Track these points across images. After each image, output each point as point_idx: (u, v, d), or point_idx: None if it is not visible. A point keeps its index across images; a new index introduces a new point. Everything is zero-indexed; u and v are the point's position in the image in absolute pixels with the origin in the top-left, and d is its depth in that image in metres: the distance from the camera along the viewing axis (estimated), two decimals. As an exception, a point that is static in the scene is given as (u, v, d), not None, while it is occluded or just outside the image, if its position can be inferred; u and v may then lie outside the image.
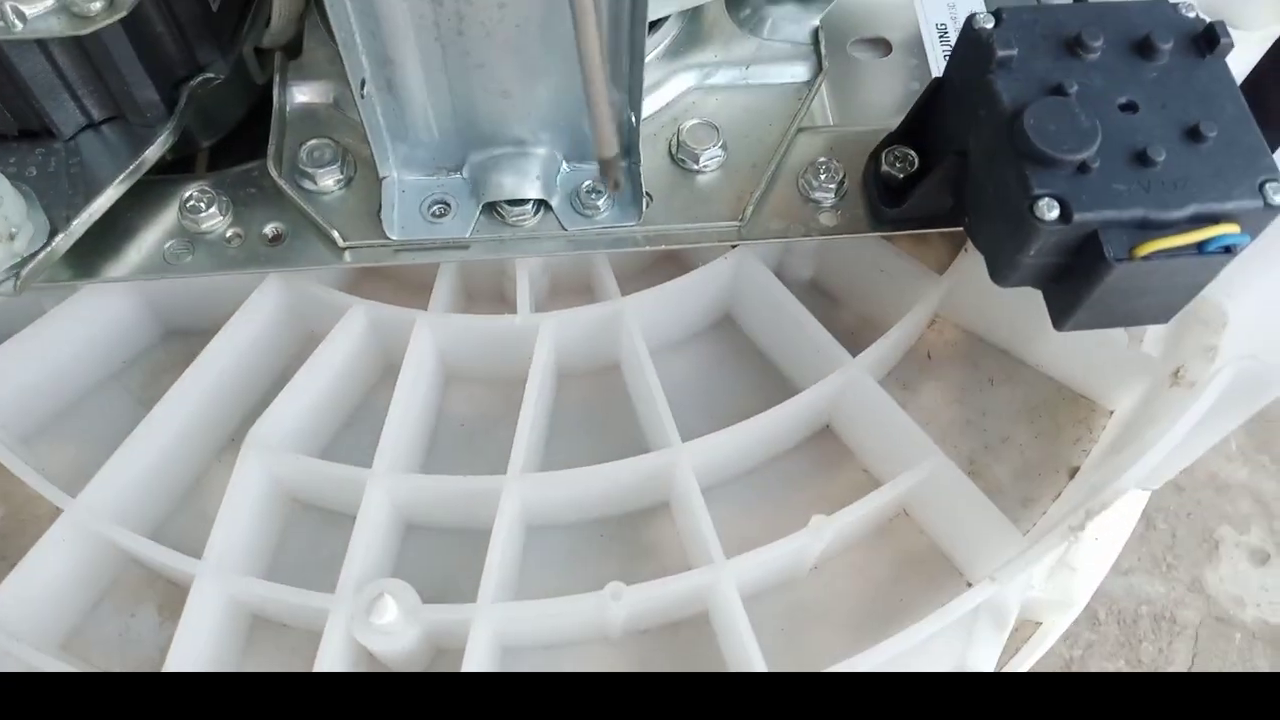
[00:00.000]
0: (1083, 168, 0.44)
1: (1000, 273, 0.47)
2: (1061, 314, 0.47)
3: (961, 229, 0.52)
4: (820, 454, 0.57)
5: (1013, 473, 0.56)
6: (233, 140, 0.59)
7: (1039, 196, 0.43)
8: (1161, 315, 0.48)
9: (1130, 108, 0.46)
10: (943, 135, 0.51)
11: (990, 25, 0.47)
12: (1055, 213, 0.43)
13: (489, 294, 0.59)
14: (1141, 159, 0.44)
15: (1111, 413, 0.58)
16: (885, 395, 0.52)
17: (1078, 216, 0.43)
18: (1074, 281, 0.45)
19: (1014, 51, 0.46)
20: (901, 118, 0.64)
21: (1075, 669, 1.48)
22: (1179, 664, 1.45)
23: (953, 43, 0.68)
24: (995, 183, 0.46)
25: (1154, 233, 0.43)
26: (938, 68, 0.65)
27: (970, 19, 0.47)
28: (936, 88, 0.52)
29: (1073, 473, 0.56)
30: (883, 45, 0.66)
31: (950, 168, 0.49)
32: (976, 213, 0.49)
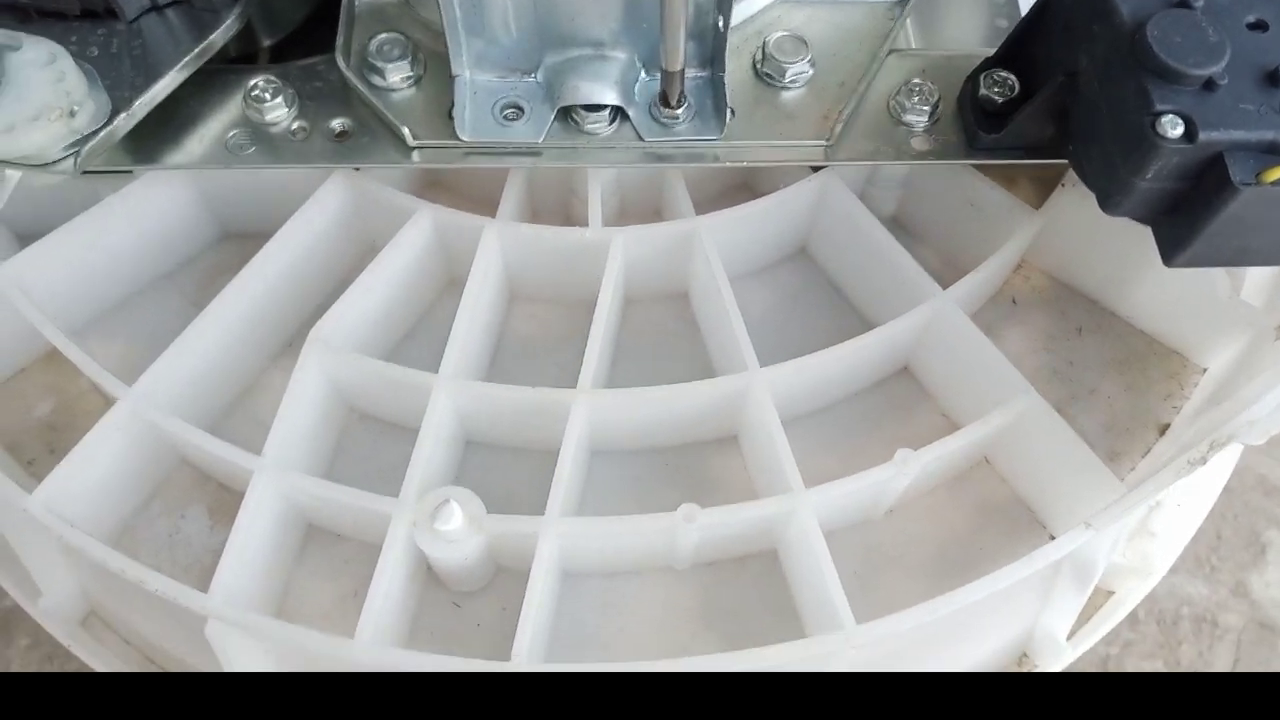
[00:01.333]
0: (1209, 85, 0.41)
1: (1111, 199, 0.44)
2: (1174, 246, 0.44)
3: (1060, 162, 0.49)
4: (897, 395, 0.54)
5: (1100, 426, 0.53)
6: (293, 43, 0.58)
7: (1161, 113, 0.40)
8: (1278, 255, 0.45)
9: (1259, 26, 0.43)
10: (1048, 59, 0.48)
11: (1110, -62, 0.44)
12: (1179, 130, 0.40)
13: (555, 212, 0.57)
14: (1272, 79, 0.41)
15: (1205, 370, 0.54)
16: (975, 329, 0.49)
17: (1203, 136, 0.40)
18: (1191, 210, 0.42)
19: (1135, -39, 0.43)
20: (988, 53, 0.61)
21: (1112, 668, 1.44)
22: (1219, 668, 1.41)
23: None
24: (1110, 101, 0.43)
25: (1284, 157, 0.40)
26: (1026, 5, 0.62)
27: (1085, -69, 0.44)
28: (1042, 8, 0.49)
29: (1163, 429, 0.53)
30: (972, -21, 0.63)
31: (1057, 90, 0.46)
32: (1085, 137, 0.46)
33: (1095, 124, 0.45)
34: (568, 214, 0.57)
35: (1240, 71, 0.41)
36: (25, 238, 0.55)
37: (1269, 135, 0.40)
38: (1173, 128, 0.40)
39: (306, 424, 0.47)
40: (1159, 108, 0.40)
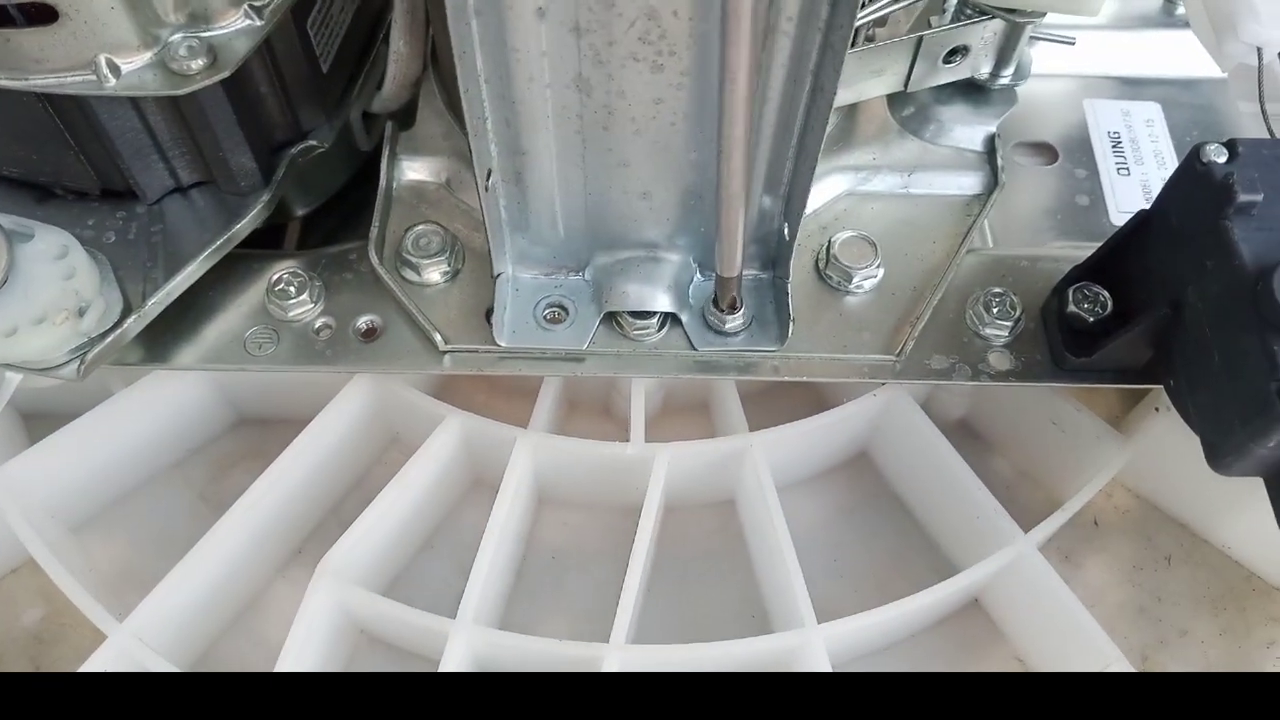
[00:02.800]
0: (1346, 348, 0.36)
1: (1222, 460, 0.39)
2: (1294, 514, 0.39)
3: (1158, 386, 0.44)
4: (967, 633, 0.49)
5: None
6: (328, 207, 0.54)
7: (1291, 380, 0.35)
8: None
9: (1398, 271, 0.38)
10: (1147, 279, 0.44)
11: (1223, 159, 0.40)
12: (1311, 402, 0.35)
13: (594, 406, 0.53)
14: None
15: (1312, 611, 0.49)
16: (1061, 584, 0.44)
17: (1340, 410, 0.35)
18: (1319, 480, 0.37)
19: (1259, 197, 0.38)
20: (1065, 237, 0.57)
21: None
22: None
23: (1127, 154, 0.61)
24: (1226, 352, 0.38)
25: None
26: (1110, 183, 0.58)
27: (1198, 150, 0.40)
28: (1142, 222, 0.44)
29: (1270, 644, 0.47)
30: (1048, 151, 0.59)
31: (1160, 321, 0.42)
32: (1191, 379, 0.41)
33: (1205, 368, 0.40)
34: (608, 406, 0.53)
35: (1378, 332, 0.36)
36: (30, 416, 0.51)
37: None
38: (1303, 398, 0.35)
39: (314, 662, 0.43)
40: (1287, 373, 0.35)
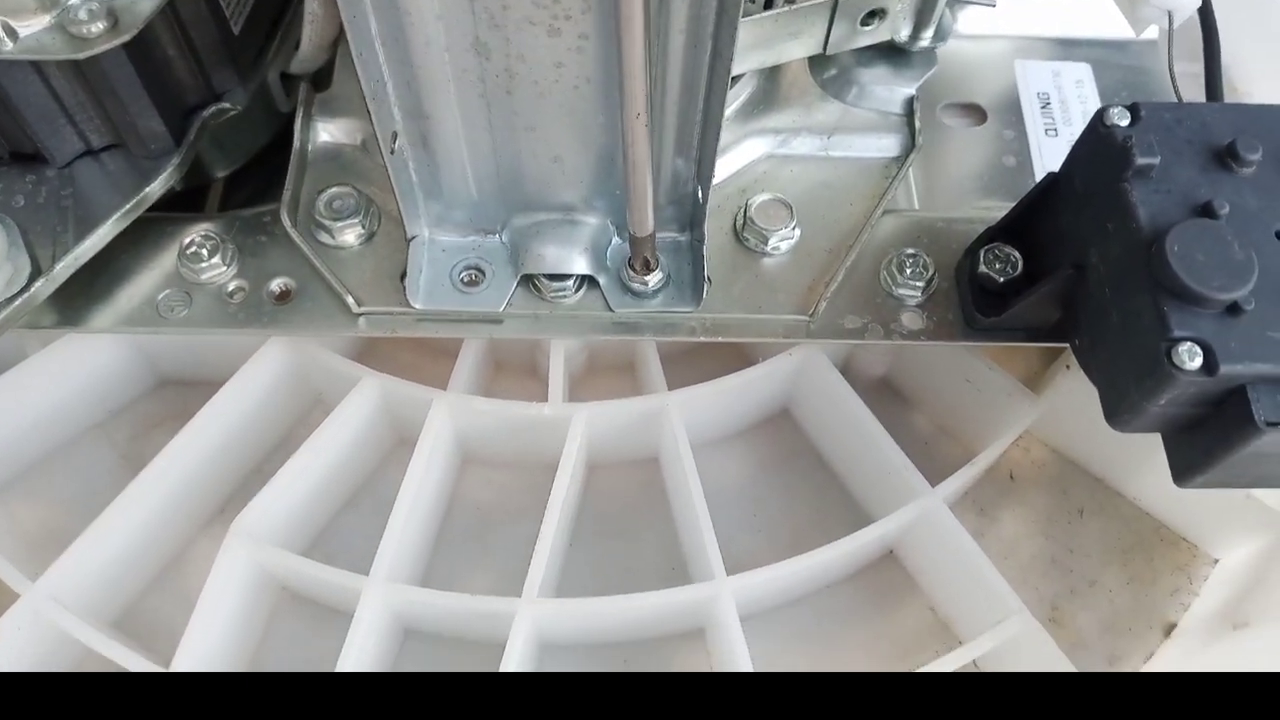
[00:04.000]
0: (1233, 309, 0.36)
1: (1119, 417, 0.40)
2: (1187, 469, 0.40)
3: (1066, 345, 0.45)
4: (882, 584, 0.50)
5: (1100, 624, 0.49)
6: (252, 168, 0.54)
7: (1179, 340, 0.36)
8: (1305, 479, 0.41)
9: (1291, 236, 0.39)
10: (1055, 240, 0.44)
11: (1125, 123, 0.40)
12: (1197, 361, 0.36)
13: (520, 366, 0.53)
14: (1304, 301, 0.37)
15: (1216, 561, 0.50)
16: (968, 538, 0.45)
17: (1224, 369, 0.35)
18: (1208, 436, 0.38)
19: (1156, 160, 0.39)
20: (991, 196, 0.57)
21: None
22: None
23: (1056, 115, 0.61)
24: (1122, 312, 0.39)
25: (1314, 394, 0.36)
26: (1038, 144, 0.58)
27: (1102, 113, 0.40)
28: (1051, 184, 0.44)
29: (1168, 630, 0.49)
30: (976, 112, 0.59)
31: (1064, 281, 0.42)
32: (1093, 338, 0.42)
33: (1104, 328, 0.40)
34: (534, 365, 0.53)
35: (1268, 292, 0.37)
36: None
37: (1298, 368, 0.36)
38: (1191, 358, 0.36)
39: (228, 618, 0.44)
40: (1176, 333, 0.36)
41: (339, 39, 0.50)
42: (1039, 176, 0.57)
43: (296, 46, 0.49)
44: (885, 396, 0.54)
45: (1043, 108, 0.60)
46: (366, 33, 0.35)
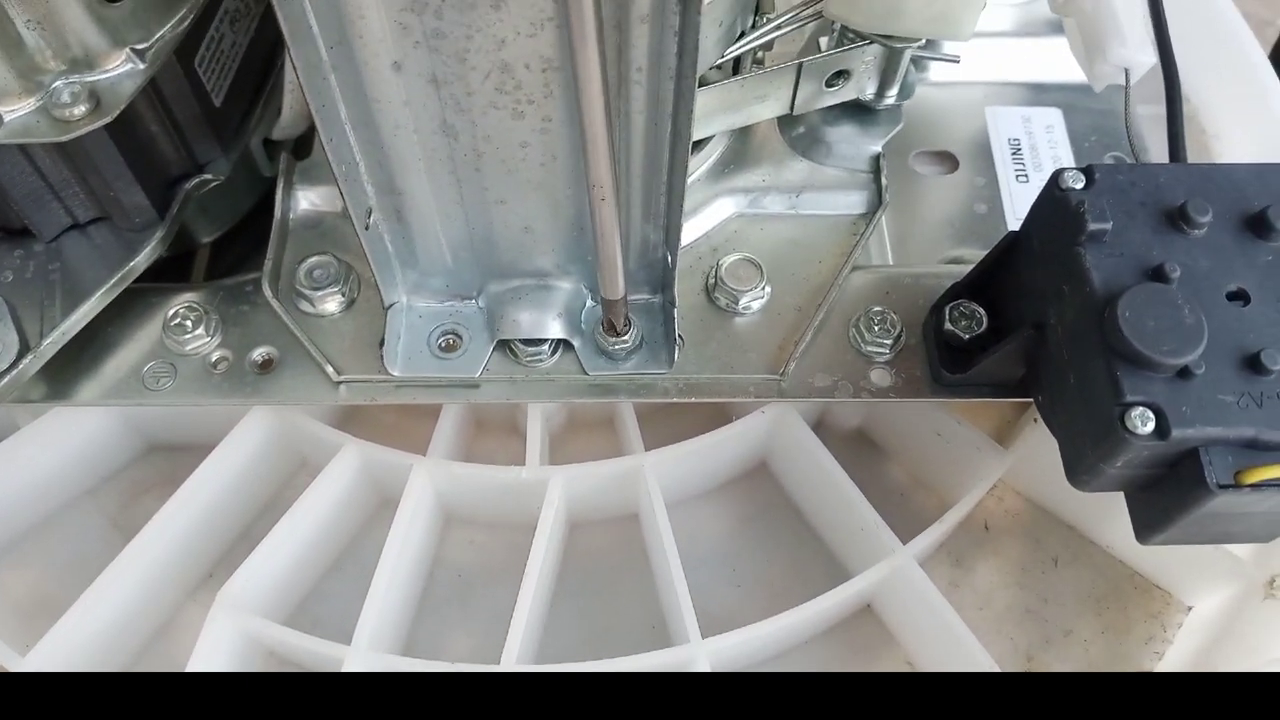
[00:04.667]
0: (1184, 373, 0.37)
1: (1078, 477, 0.41)
2: (1147, 528, 0.41)
3: (1030, 400, 0.46)
4: (859, 638, 0.50)
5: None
6: (237, 231, 0.55)
7: (1131, 405, 0.37)
8: (1263, 535, 0.41)
9: (1240, 297, 0.39)
10: (1017, 298, 0.45)
11: (1080, 186, 0.41)
12: (1149, 426, 0.36)
13: (501, 424, 0.54)
14: (1253, 364, 0.38)
15: (1190, 609, 0.51)
16: (938, 596, 0.45)
17: (1176, 433, 0.36)
18: (1165, 496, 0.39)
19: (1108, 225, 0.39)
20: (963, 244, 0.58)
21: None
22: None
23: (1026, 161, 0.62)
24: (1079, 375, 0.40)
25: (1265, 455, 0.37)
26: (1009, 190, 0.59)
27: (1057, 177, 0.41)
28: (1012, 243, 0.45)
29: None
30: (948, 160, 0.60)
31: (1025, 340, 0.43)
32: (1052, 397, 0.43)
33: (1063, 388, 0.41)
34: (514, 424, 0.54)
35: (1218, 355, 0.38)
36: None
37: (1248, 431, 0.37)
38: (1143, 423, 0.37)
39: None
40: (1129, 399, 0.37)
41: (319, 109, 0.52)
42: (1009, 223, 0.58)
43: (279, 113, 0.51)
44: (861, 447, 0.54)
45: (1014, 154, 0.61)
46: (336, 119, 0.37)
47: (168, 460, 0.52)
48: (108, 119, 0.42)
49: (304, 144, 0.53)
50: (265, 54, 0.52)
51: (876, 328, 0.48)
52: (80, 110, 0.42)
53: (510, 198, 0.41)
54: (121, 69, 0.42)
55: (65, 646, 0.44)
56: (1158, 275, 0.39)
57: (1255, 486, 0.36)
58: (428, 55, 0.35)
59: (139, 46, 0.42)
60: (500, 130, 0.38)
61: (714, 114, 0.49)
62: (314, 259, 0.48)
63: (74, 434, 0.49)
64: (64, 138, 0.42)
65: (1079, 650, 0.50)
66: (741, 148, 0.53)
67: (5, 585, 0.49)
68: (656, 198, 0.42)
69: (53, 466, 0.50)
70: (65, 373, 0.47)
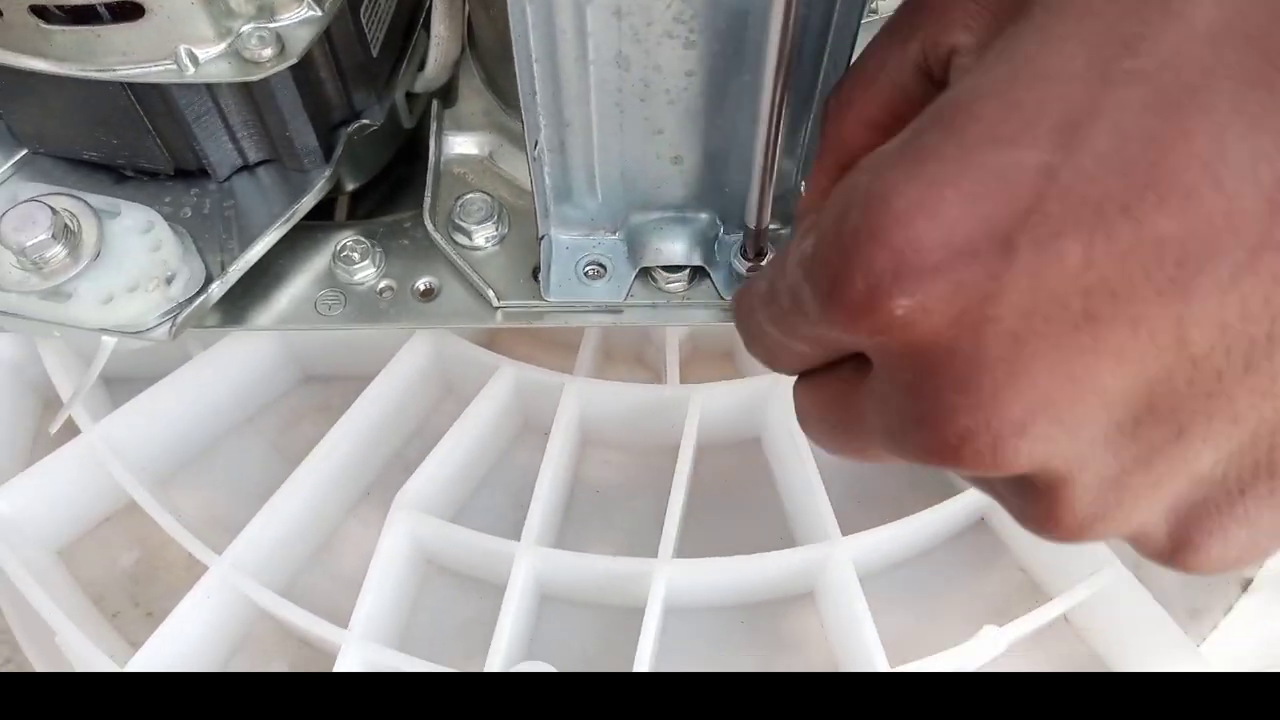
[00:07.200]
0: None
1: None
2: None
3: None
4: (975, 549, 0.54)
5: (1180, 579, 0.52)
6: (369, 184, 0.59)
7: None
8: None
9: None
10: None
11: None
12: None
13: (627, 355, 0.57)
14: None
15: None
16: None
17: None
18: None
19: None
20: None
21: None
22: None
23: None
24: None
25: None
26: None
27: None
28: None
29: (1246, 584, 0.52)
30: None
31: None
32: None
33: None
34: (639, 355, 0.57)
35: None
36: (111, 381, 0.56)
37: None
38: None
39: (391, 590, 0.48)
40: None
41: (460, 59, 0.55)
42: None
43: (420, 67, 0.54)
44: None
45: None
46: (526, 49, 0.40)
47: (322, 389, 0.56)
48: (292, 61, 0.46)
49: (447, 95, 0.56)
50: (409, 10, 0.56)
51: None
52: (267, 53, 0.45)
53: (668, 127, 0.45)
54: (302, 15, 0.46)
55: (249, 552, 0.48)
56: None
57: None
58: (617, -14, 0.38)
59: (317, -4, 0.46)
60: (671, 59, 0.41)
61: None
62: (469, 195, 0.51)
63: (241, 363, 0.53)
64: (252, 78, 0.46)
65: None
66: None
67: (180, 506, 0.53)
68: (800, 130, 0.45)
69: (221, 393, 0.53)
70: (240, 302, 0.50)
